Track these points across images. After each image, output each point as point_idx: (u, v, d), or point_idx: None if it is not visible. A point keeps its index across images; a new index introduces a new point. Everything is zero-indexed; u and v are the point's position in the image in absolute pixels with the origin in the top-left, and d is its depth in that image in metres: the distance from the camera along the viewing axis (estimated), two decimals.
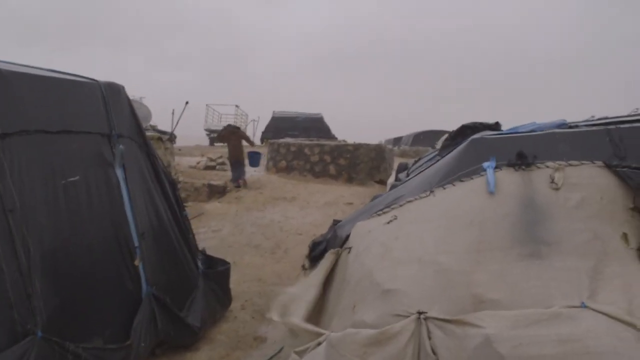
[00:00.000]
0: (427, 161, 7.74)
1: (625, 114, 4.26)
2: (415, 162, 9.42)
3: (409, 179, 3.25)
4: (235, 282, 4.80)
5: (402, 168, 9.45)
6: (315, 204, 10.05)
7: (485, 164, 2.30)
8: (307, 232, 7.54)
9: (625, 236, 1.93)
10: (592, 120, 3.74)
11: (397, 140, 40.58)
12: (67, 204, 2.73)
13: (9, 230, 2.31)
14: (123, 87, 3.57)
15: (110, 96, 3.32)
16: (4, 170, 2.36)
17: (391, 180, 9.85)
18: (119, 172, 3.23)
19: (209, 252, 4.47)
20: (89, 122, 3.06)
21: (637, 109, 4.72)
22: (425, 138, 38.18)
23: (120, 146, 3.23)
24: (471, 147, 2.55)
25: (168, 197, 3.78)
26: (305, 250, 6.53)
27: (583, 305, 1.66)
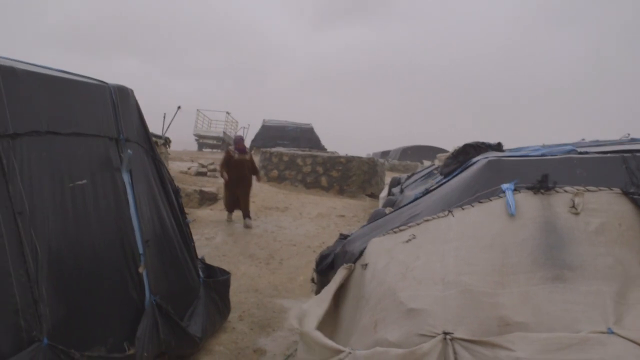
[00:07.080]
0: (424, 177, 7.78)
1: (617, 138, 4.33)
2: (409, 177, 9.47)
3: (425, 196, 3.22)
4: (232, 292, 4.73)
5: (395, 182, 9.50)
6: (307, 215, 10.01)
7: (505, 186, 2.30)
8: (300, 244, 7.50)
9: None
10: (599, 144, 3.78)
11: (384, 154, 40.86)
12: (74, 207, 2.67)
13: (17, 234, 2.25)
14: (132, 91, 3.52)
15: (120, 99, 3.27)
16: (14, 172, 2.30)
17: (384, 194, 9.88)
18: (126, 177, 3.17)
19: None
20: (98, 124, 3.00)
21: (628, 134, 4.79)
22: (413, 153, 38.57)
23: (129, 150, 3.17)
24: (488, 168, 2.54)
25: (172, 204, 3.73)
26: (300, 262, 6.50)
27: (610, 331, 1.66)
